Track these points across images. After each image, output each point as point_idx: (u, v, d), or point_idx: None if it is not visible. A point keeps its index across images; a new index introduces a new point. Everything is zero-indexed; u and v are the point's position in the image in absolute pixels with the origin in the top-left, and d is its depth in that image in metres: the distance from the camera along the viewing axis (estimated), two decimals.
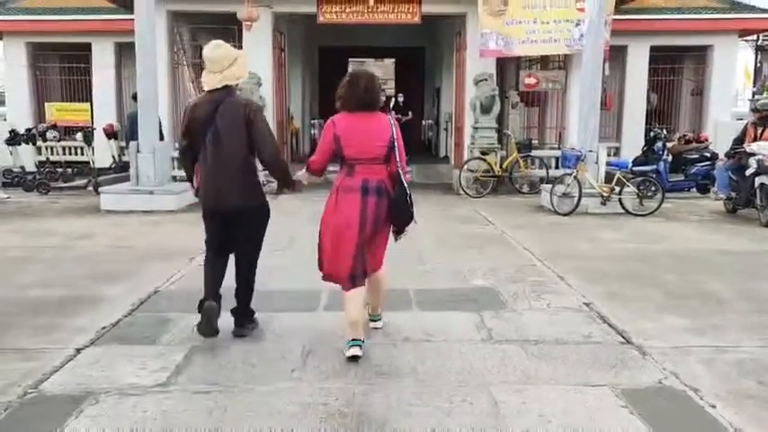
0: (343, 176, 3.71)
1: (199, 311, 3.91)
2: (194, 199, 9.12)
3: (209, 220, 4.04)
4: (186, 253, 6.36)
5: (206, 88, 3.89)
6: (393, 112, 13.52)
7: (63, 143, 13.29)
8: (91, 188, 10.75)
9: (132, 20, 9.75)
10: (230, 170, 3.83)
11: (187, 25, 13.22)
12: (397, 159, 3.70)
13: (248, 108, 3.88)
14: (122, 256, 6.37)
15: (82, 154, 12.79)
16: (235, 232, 3.99)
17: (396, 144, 3.70)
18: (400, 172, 3.70)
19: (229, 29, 12.53)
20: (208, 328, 3.83)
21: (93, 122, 13.40)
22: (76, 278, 5.46)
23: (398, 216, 3.78)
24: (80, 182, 11.46)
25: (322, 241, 3.83)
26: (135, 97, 10.44)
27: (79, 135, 11.86)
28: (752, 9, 14.36)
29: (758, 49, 18.30)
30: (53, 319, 4.36)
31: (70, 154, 13.95)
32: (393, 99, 14.29)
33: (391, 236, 3.96)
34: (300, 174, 3.90)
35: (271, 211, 4.18)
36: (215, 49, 3.90)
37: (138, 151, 9.49)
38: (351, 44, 19.05)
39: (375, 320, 4.24)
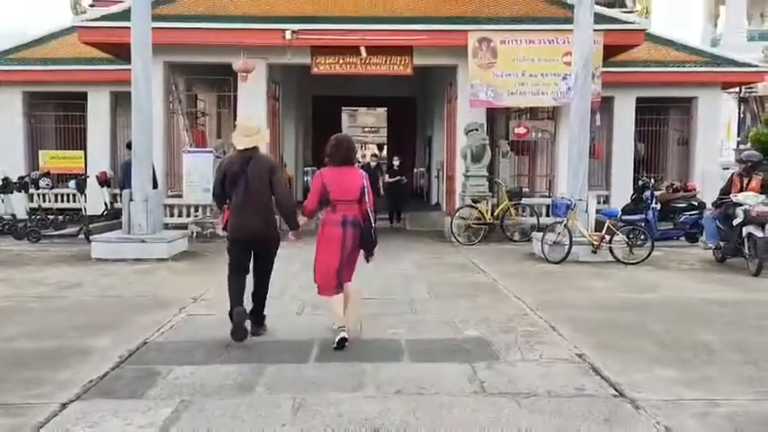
0: (328, 213, 5.01)
1: (230, 319, 4.97)
2: (185, 247, 9.10)
3: (237, 245, 5.18)
4: (176, 303, 6.33)
5: (239, 147, 5.10)
6: (387, 176, 13.85)
7: (55, 191, 13.28)
8: (82, 236, 10.71)
9: (128, 70, 9.92)
10: (256, 208, 5.04)
11: (183, 75, 13.46)
12: (366, 201, 4.98)
13: (270, 164, 5.30)
14: (112, 307, 6.31)
15: (74, 201, 12.81)
16: (256, 255, 5.22)
17: (366, 190, 4.99)
18: (368, 210, 5.00)
19: (225, 79, 12.79)
20: (241, 331, 4.89)
21: (86, 170, 13.49)
22: (65, 329, 5.40)
23: (366, 242, 5.05)
24: (71, 229, 11.41)
25: (317, 261, 5.06)
26: (129, 146, 10.54)
27: (72, 183, 11.87)
28: (733, 63, 14.81)
29: (741, 100, 18.77)
30: (39, 373, 4.30)
31: (62, 201, 13.96)
32: (386, 159, 14.94)
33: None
34: (300, 221, 5.24)
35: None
36: (247, 121, 5.40)
37: (130, 199, 9.50)
38: (344, 94, 19.43)
39: (342, 331, 4.96)
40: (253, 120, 5.61)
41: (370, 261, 5.24)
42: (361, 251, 5.15)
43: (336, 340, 4.86)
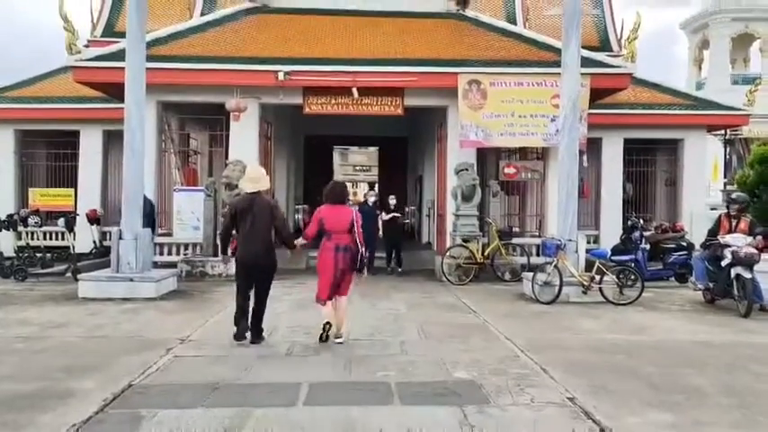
0: (325, 241, 6.43)
1: (235, 325, 6.34)
2: (174, 286, 9.09)
3: (244, 271, 6.37)
4: (163, 344, 6.24)
5: (247, 191, 6.45)
6: (383, 213, 13.17)
7: (44, 228, 13.21)
8: (70, 274, 10.61)
9: (121, 108, 9.96)
10: (259, 238, 6.29)
11: (176, 115, 13.57)
12: (355, 232, 6.39)
13: (271, 204, 6.62)
14: (97, 347, 6.21)
15: (63, 239, 12.71)
16: (258, 278, 6.39)
17: (354, 223, 6.40)
18: (357, 239, 6.40)
19: (217, 119, 12.89)
20: (242, 335, 6.30)
21: (76, 208, 13.43)
22: (49, 371, 5.29)
23: (355, 262, 6.43)
24: (59, 268, 11.30)
25: (318, 276, 6.49)
26: None
27: (61, 221, 11.81)
28: (718, 106, 15.13)
29: (727, 142, 19.10)
30: (20, 415, 4.19)
31: (51, 239, 13.86)
32: (383, 199, 14.23)
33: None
34: (297, 240, 6.65)
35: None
36: (255, 170, 6.69)
37: (120, 237, 9.43)
38: (336, 133, 19.57)
39: (338, 338, 6.43)
40: (260, 169, 6.81)
41: (361, 277, 6.97)
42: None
43: (321, 333, 6.39)
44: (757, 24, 27.42)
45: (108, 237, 11.32)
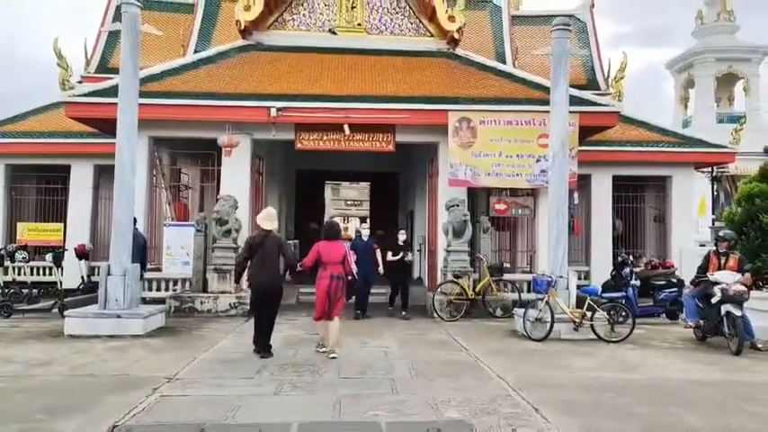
0: (321, 270, 7.70)
1: (254, 343, 7.74)
2: (162, 323, 9.09)
3: (257, 295, 7.72)
4: (150, 382, 6.13)
5: (264, 227, 7.73)
6: (390, 253, 11.73)
7: (32, 263, 13.07)
8: (56, 310, 10.47)
9: (113, 143, 9.95)
10: (269, 267, 7.61)
11: (167, 150, 13.59)
12: (346, 263, 7.79)
13: (279, 239, 7.94)
14: (82, 387, 6.08)
15: (50, 274, 12.59)
16: (268, 300, 7.66)
17: (346, 257, 7.82)
18: (347, 270, 7.80)
19: (209, 154, 12.93)
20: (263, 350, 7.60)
21: (65, 242, 13.34)
22: (31, 411, 5.17)
23: (346, 288, 7.89)
24: (46, 304, 11.15)
25: (316, 300, 7.76)
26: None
27: (49, 256, 11.70)
28: (704, 144, 15.37)
29: (714, 179, 19.34)
30: None
31: (38, 274, 13.73)
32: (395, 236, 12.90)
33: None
34: (299, 268, 7.82)
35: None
36: (269, 212, 7.98)
37: (108, 273, 9.33)
38: (327, 168, 19.68)
39: (332, 353, 7.56)
40: (273, 212, 8.09)
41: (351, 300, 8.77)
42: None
43: (317, 348, 7.91)
44: (740, 65, 28.03)
45: (96, 272, 11.21)
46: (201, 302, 11.19)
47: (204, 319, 10.71)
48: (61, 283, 11.49)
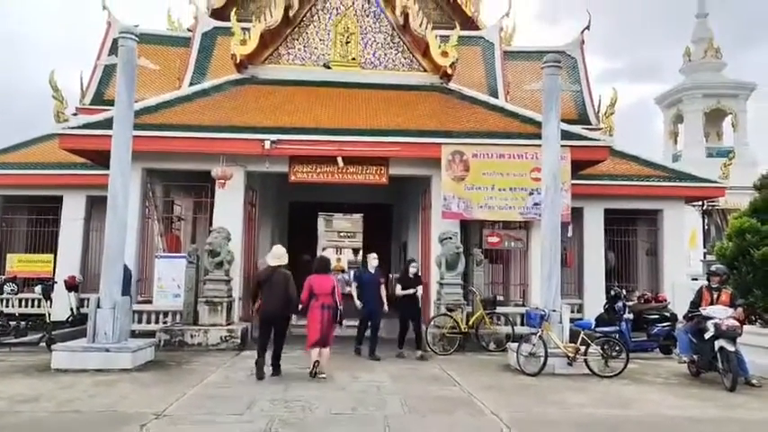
0: (313, 301, 8.52)
1: (255, 365, 8.37)
2: (151, 356, 9.02)
3: (266, 323, 8.52)
4: (137, 419, 6.02)
5: (271, 264, 8.65)
6: (399, 287, 10.94)
7: (21, 295, 12.92)
8: (44, 344, 10.30)
9: (105, 174, 9.93)
10: (277, 299, 8.40)
11: (160, 181, 13.58)
12: (336, 295, 8.59)
13: (286, 275, 8.58)
14: (67, 424, 5.96)
15: (39, 306, 12.43)
16: (276, 326, 8.52)
17: (335, 289, 8.65)
18: (336, 300, 8.58)
19: (203, 185, 12.92)
20: (260, 373, 8.32)
21: (54, 274, 13.20)
22: None
23: (335, 317, 8.59)
24: (34, 337, 10.98)
25: (308, 329, 8.57)
26: None
27: (38, 288, 11.57)
28: (694, 178, 15.52)
29: (705, 213, 19.49)
30: None
31: (27, 306, 13.55)
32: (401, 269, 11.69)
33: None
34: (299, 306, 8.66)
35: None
36: (279, 250, 8.81)
37: (97, 306, 9.21)
38: (321, 199, 19.70)
39: (321, 374, 8.35)
40: (282, 249, 8.84)
41: (342, 326, 9.09)
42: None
43: (310, 370, 8.43)
44: (728, 100, 28.53)
45: (86, 304, 11.08)
46: (192, 336, 11.06)
47: (194, 352, 10.57)
48: (50, 315, 11.32)
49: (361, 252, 27.52)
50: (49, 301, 11.32)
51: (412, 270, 11.28)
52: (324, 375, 8.31)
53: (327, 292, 8.54)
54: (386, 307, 10.95)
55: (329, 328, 8.51)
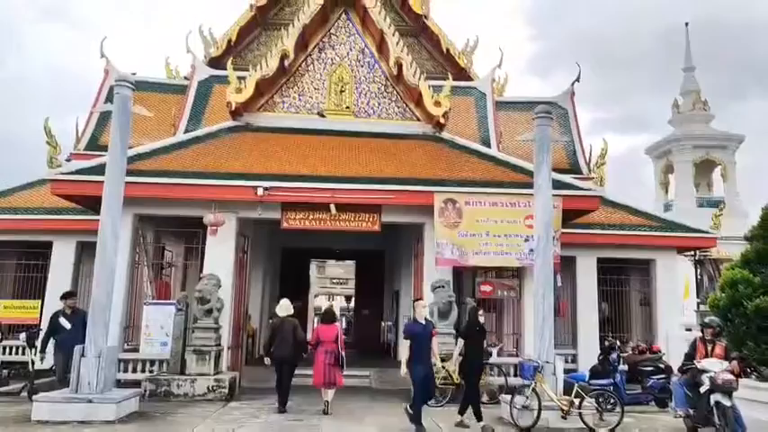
0: (318, 348, 9.87)
1: (278, 402, 9.97)
2: (136, 407, 8.81)
3: (279, 364, 9.96)
4: None
5: (281, 315, 10.22)
6: (461, 342, 9.21)
7: (4, 342, 12.65)
8: (25, 394, 10.02)
9: (96, 220, 9.86)
10: (286, 345, 9.90)
11: (152, 227, 13.51)
12: (339, 342, 9.89)
13: (295, 324, 10.14)
14: None
15: (23, 354, 12.14)
16: (285, 367, 9.97)
17: (339, 336, 9.96)
18: (339, 347, 9.83)
19: (194, 231, 12.86)
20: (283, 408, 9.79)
21: (41, 321, 12.96)
22: None
23: (338, 362, 9.79)
24: (15, 386, 10.69)
25: (314, 372, 9.92)
26: (64, 296, 10.50)
27: (23, 335, 11.31)
28: (686, 229, 15.57)
29: (697, 263, 19.51)
30: None
31: (10, 354, 13.24)
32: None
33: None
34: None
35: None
36: (286, 303, 10.36)
37: (82, 355, 8.99)
38: (313, 246, 19.62)
39: (327, 407, 9.69)
40: (288, 303, 10.38)
41: (343, 371, 9.99)
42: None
43: (323, 408, 9.73)
44: (717, 152, 28.90)
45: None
46: (178, 385, 10.80)
47: (180, 403, 10.31)
48: (33, 363, 11.03)
49: (353, 299, 27.25)
50: (33, 349, 11.03)
51: (481, 319, 9.29)
52: (327, 410, 9.64)
53: (331, 340, 9.87)
54: (439, 364, 9.61)
55: (332, 371, 9.74)
